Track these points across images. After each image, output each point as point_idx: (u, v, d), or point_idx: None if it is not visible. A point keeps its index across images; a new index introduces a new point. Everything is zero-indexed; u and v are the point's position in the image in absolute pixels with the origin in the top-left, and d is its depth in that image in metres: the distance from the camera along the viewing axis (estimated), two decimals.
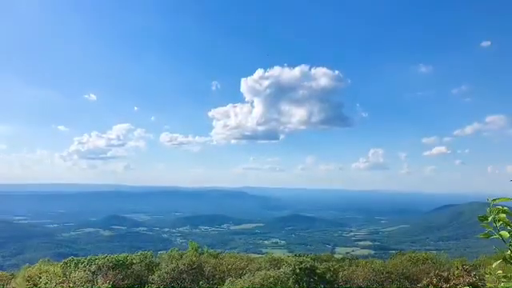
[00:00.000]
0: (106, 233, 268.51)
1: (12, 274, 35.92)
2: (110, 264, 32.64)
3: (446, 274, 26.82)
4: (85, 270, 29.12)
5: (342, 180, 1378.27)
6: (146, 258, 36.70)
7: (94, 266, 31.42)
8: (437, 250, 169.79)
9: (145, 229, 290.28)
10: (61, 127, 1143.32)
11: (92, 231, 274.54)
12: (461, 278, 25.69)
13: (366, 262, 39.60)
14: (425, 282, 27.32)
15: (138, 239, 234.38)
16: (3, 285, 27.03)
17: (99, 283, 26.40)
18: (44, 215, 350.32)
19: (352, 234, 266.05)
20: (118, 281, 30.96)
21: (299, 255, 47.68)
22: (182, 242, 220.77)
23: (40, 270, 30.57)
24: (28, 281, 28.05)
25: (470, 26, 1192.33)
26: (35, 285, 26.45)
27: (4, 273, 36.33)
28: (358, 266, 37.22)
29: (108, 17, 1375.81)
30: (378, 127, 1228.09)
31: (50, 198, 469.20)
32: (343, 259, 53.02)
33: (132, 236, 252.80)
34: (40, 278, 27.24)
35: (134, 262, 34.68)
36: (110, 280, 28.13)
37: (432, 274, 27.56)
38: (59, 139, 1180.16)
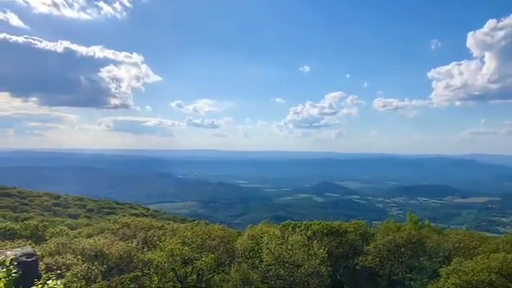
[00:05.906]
0: (319, 199, 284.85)
1: (239, 232, 41.42)
2: (325, 230, 34.24)
3: None
4: (301, 235, 31.26)
5: None
6: (360, 227, 37.14)
7: (309, 231, 33.51)
8: None
9: (357, 197, 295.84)
10: (278, 99, 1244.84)
11: (306, 197, 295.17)
12: None
13: None
14: None
15: (351, 207, 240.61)
16: (231, 241, 31.50)
17: (315, 248, 27.97)
18: (263, 180, 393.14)
19: None
20: (333, 248, 32.30)
21: None
22: (398, 214, 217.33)
23: (262, 230, 34.29)
24: (251, 239, 31.83)
25: None
26: (257, 244, 29.87)
27: (232, 230, 42.20)
28: None
29: None
30: None
31: (267, 164, 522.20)
32: None
33: (344, 204, 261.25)
34: (262, 237, 30.59)
35: (348, 230, 35.48)
36: (325, 246, 29.51)
37: None
38: (276, 110, 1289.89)
